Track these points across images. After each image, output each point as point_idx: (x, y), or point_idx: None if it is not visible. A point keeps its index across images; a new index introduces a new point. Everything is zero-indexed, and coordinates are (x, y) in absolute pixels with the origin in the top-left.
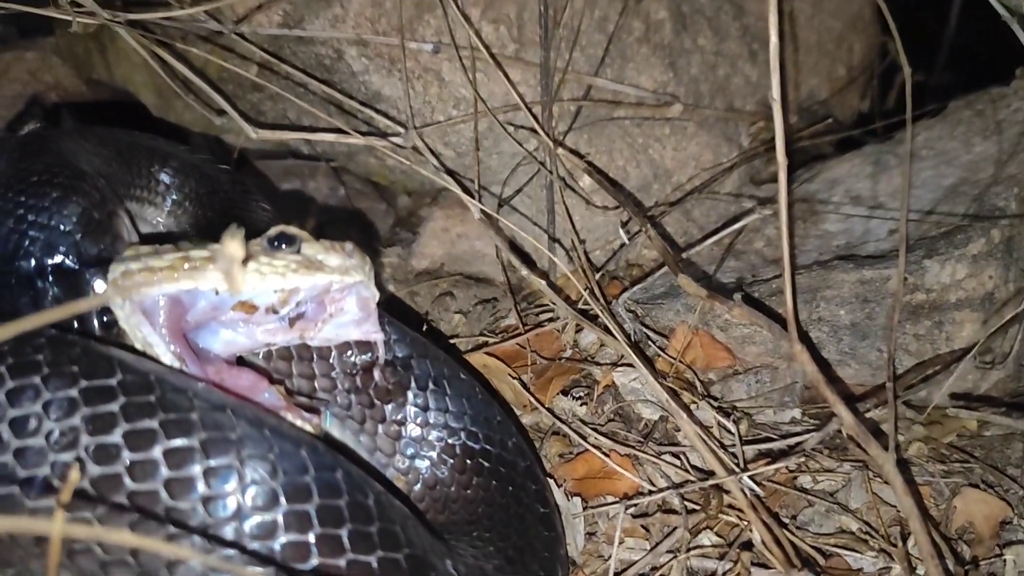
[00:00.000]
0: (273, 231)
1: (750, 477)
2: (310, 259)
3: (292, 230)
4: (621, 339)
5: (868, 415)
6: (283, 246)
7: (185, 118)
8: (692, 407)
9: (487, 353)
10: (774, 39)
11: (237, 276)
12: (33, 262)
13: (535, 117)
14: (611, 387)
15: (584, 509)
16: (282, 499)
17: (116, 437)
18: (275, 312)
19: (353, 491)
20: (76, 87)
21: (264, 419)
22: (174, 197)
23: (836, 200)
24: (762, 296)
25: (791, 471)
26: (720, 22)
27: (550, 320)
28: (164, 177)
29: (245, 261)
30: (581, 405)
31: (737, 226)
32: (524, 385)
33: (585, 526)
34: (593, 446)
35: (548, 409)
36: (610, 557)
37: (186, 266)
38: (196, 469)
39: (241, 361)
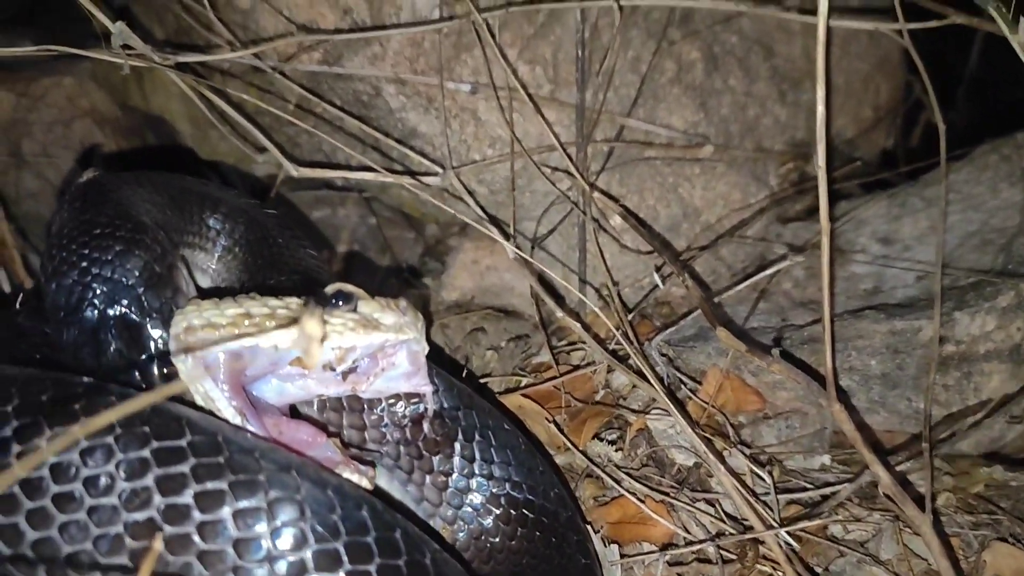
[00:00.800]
0: (331, 289)
1: (786, 531)
2: (367, 318)
3: (349, 288)
4: (657, 386)
5: (899, 467)
6: (340, 304)
7: (220, 149)
8: (724, 453)
9: (523, 395)
10: (821, 109)
11: (315, 353)
12: (96, 314)
13: (571, 159)
14: (644, 431)
15: (621, 556)
16: (344, 559)
17: (187, 498)
18: (332, 369)
19: (412, 551)
20: (112, 113)
21: (326, 479)
22: (224, 243)
23: (863, 242)
24: (795, 344)
25: (822, 521)
26: (750, 63)
27: (582, 359)
28: (215, 223)
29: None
30: (616, 450)
31: (769, 272)
32: (560, 428)
33: (622, 572)
34: (628, 491)
35: (583, 453)
36: None
37: (247, 323)
38: (263, 528)
39: (294, 411)
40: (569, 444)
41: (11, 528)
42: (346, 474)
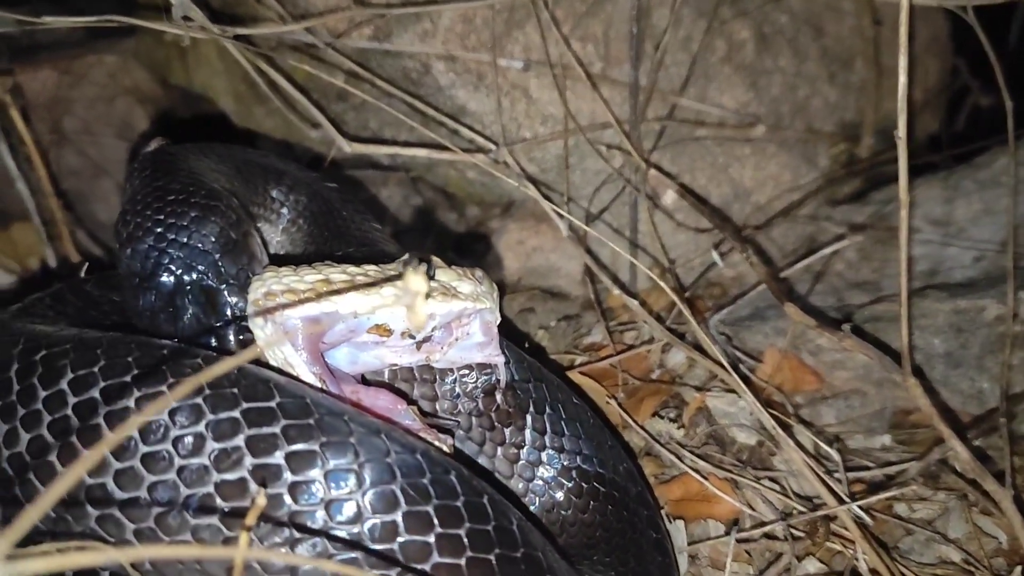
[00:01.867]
0: (408, 257)
1: (859, 506)
2: (445, 286)
3: (426, 256)
4: (723, 361)
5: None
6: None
7: (265, 125)
8: (787, 431)
9: (580, 372)
10: (903, 79)
11: (420, 311)
12: (173, 280)
13: (627, 135)
14: (703, 409)
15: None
16: (435, 522)
17: (278, 458)
18: (411, 337)
19: (499, 516)
20: (154, 91)
21: (414, 443)
22: (289, 215)
23: (916, 224)
24: (858, 322)
25: (887, 500)
26: (800, 43)
27: (635, 338)
28: (279, 195)
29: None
30: (678, 428)
31: (828, 251)
32: (621, 406)
33: (687, 549)
34: (691, 468)
35: (644, 429)
36: None
37: (327, 289)
38: (354, 489)
39: (364, 381)
40: (630, 421)
41: (99, 488)
42: (427, 438)
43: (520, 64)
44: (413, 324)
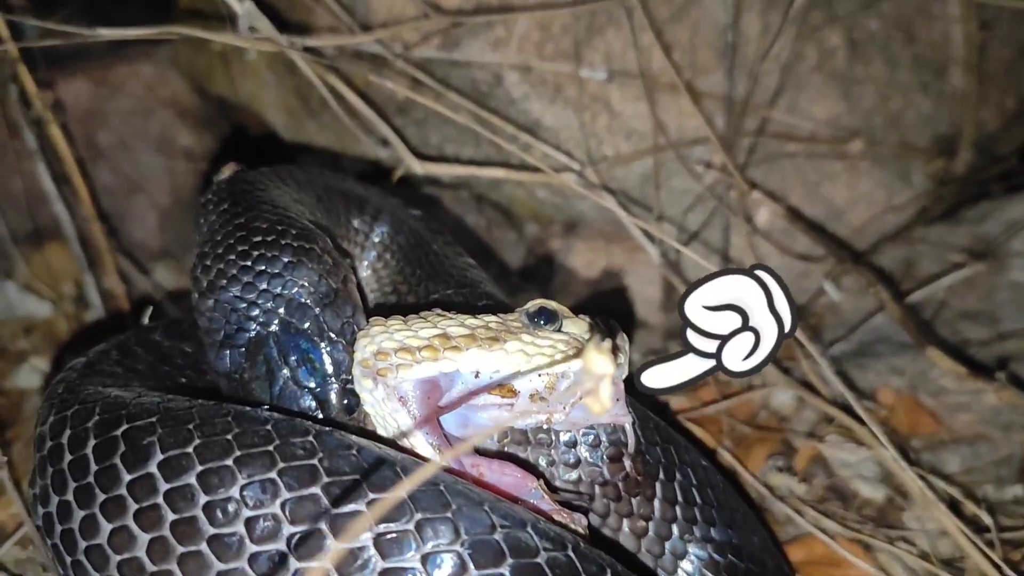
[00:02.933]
0: (533, 306)
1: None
2: (576, 339)
3: (553, 305)
4: (858, 408)
5: None
6: (543, 322)
7: (317, 140)
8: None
9: (689, 420)
10: None
11: (606, 396)
12: (265, 337)
13: (727, 153)
14: (818, 459)
15: None
16: None
17: (414, 563)
18: (542, 399)
19: None
20: (193, 103)
21: (562, 537)
22: (375, 250)
23: (1019, 247)
24: (984, 362)
25: None
26: (892, 50)
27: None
28: (361, 226)
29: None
30: (798, 481)
31: (947, 281)
32: (735, 456)
33: None
34: (818, 529)
35: (766, 486)
36: None
37: (444, 347)
38: None
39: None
40: (749, 475)
41: None
42: (559, 520)
43: (602, 74)
44: (596, 411)
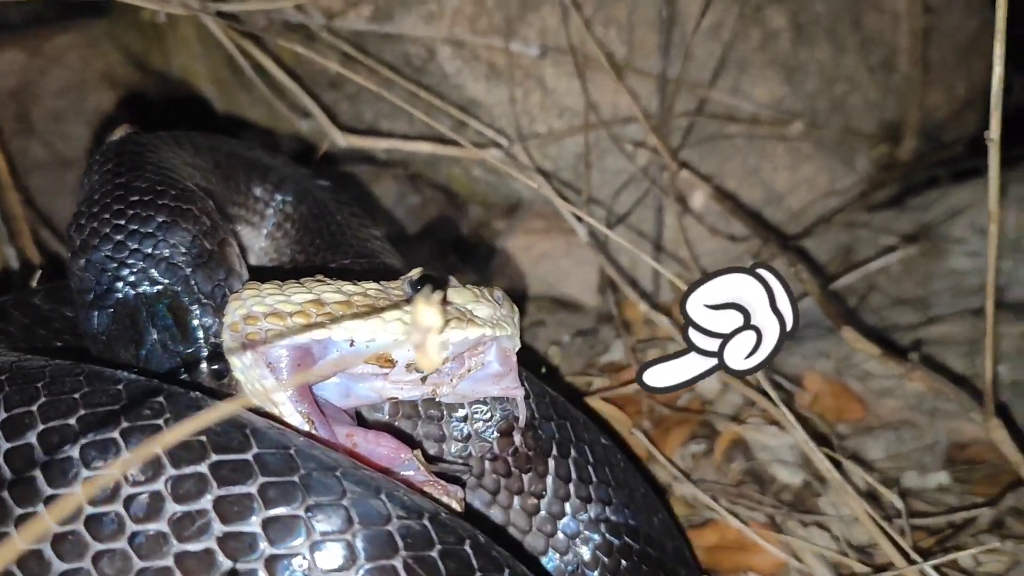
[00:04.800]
0: (415, 274)
1: (932, 566)
2: (460, 309)
3: (438, 274)
4: (770, 392)
5: None
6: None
7: (250, 114)
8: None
9: (601, 398)
10: (998, 70)
11: (433, 352)
12: (134, 298)
13: (657, 133)
14: (739, 443)
15: None
16: None
17: (255, 526)
18: (418, 370)
19: None
20: (129, 76)
21: (421, 505)
22: (275, 218)
23: (959, 234)
24: (905, 348)
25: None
26: (838, 34)
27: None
28: (263, 194)
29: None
30: (705, 461)
31: (875, 266)
32: (649, 438)
33: None
34: (728, 512)
35: (676, 467)
36: None
37: (317, 311)
38: (348, 567)
39: (359, 416)
40: (661, 457)
41: (35, 557)
42: (434, 494)
43: (535, 50)
44: (425, 366)
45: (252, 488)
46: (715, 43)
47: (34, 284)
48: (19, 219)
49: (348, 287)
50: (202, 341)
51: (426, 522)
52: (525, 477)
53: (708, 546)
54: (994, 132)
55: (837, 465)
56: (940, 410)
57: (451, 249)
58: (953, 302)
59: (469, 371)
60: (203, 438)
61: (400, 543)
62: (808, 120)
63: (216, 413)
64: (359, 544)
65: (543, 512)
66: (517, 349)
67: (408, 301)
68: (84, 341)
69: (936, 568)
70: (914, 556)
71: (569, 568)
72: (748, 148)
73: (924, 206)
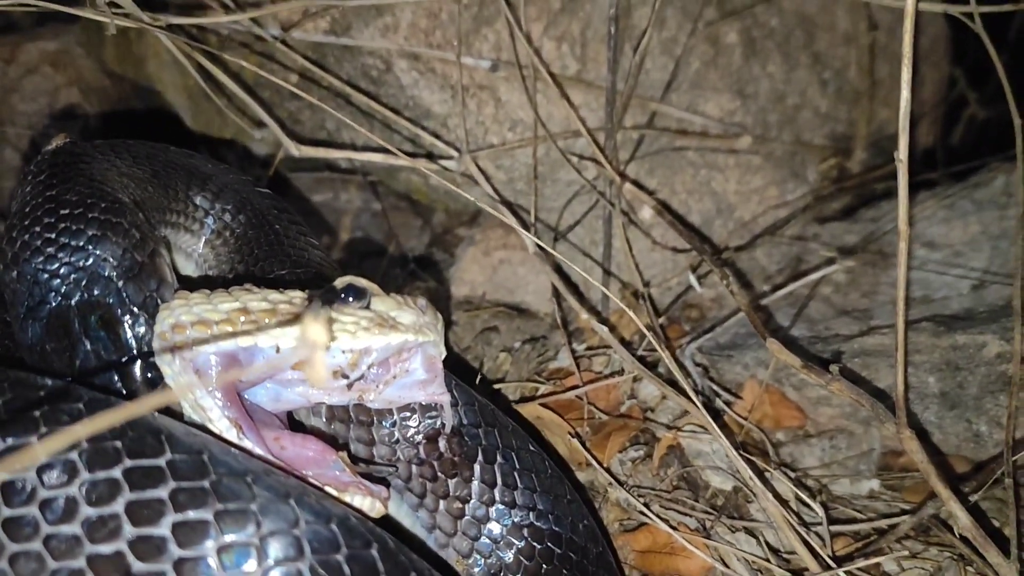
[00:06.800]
0: (341, 283)
1: (844, 572)
2: (382, 316)
3: (362, 282)
4: (695, 399)
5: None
6: (351, 299)
7: (216, 124)
8: (766, 476)
9: (541, 404)
10: (905, 94)
11: (320, 362)
12: (67, 309)
13: (599, 146)
14: (675, 449)
15: None
16: None
17: (163, 529)
18: (344, 376)
19: None
20: (99, 82)
21: (330, 510)
22: (213, 226)
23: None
24: (846, 358)
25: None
26: (790, 48)
27: (605, 365)
28: (203, 202)
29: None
30: (643, 467)
31: (814, 277)
32: (583, 443)
33: None
34: (659, 517)
35: (610, 473)
36: None
37: (243, 319)
38: (253, 568)
39: (291, 419)
40: (595, 463)
41: None
42: (356, 499)
43: (487, 64)
44: (313, 380)
45: (163, 493)
46: (667, 58)
47: None
48: None
49: (274, 295)
50: (135, 350)
51: (334, 526)
52: (451, 482)
53: (640, 550)
54: (903, 153)
55: (761, 473)
56: (875, 419)
57: (411, 257)
58: (894, 313)
59: (395, 377)
60: (118, 443)
61: (307, 547)
62: (759, 133)
63: (123, 412)
64: (267, 548)
65: (468, 516)
66: (443, 356)
67: (339, 302)
68: (20, 352)
69: (852, 574)
70: (829, 562)
71: (492, 572)
72: (699, 161)
73: (875, 218)
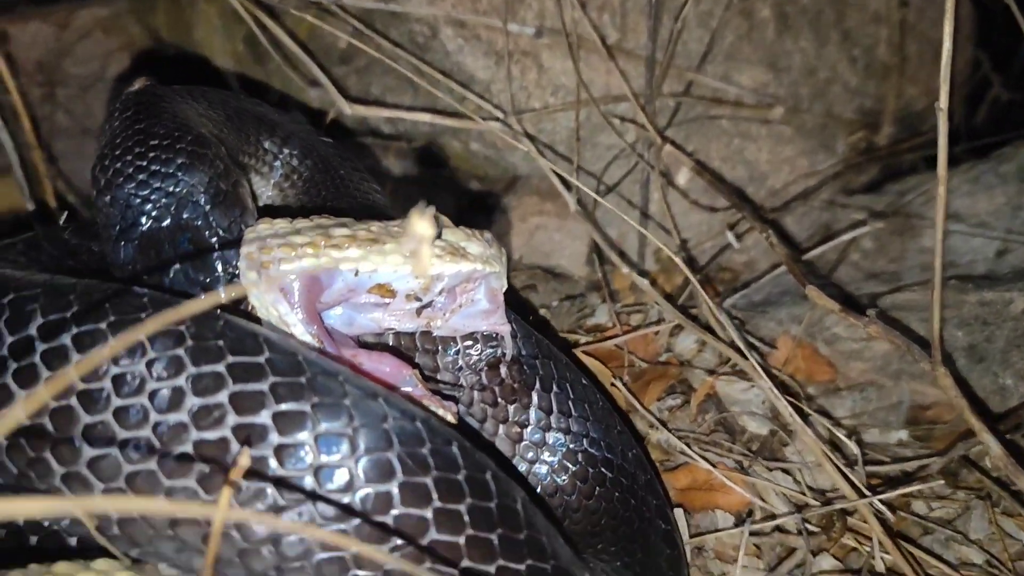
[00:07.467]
0: (415, 213)
1: (880, 500)
2: (453, 245)
3: (436, 214)
4: (740, 344)
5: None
6: None
7: (261, 89)
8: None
9: (584, 352)
10: (948, 45)
11: (425, 256)
12: (158, 231)
13: (643, 109)
14: (712, 396)
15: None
16: (433, 495)
17: (264, 418)
18: (417, 299)
19: (503, 495)
20: (149, 48)
21: (414, 410)
22: (283, 169)
23: (930, 217)
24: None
25: (904, 497)
26: (821, 25)
27: (642, 320)
28: (272, 147)
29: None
30: (681, 414)
31: (846, 237)
32: (628, 389)
33: (691, 540)
34: (700, 456)
35: (654, 415)
36: (721, 575)
37: (325, 244)
38: (346, 456)
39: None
40: (637, 404)
41: (67, 444)
42: (432, 407)
43: (532, 30)
44: (417, 272)
45: (264, 386)
46: (703, 30)
47: (61, 222)
48: (41, 175)
49: (353, 223)
50: (220, 271)
51: (418, 424)
52: (510, 408)
53: (680, 487)
54: (943, 102)
55: (801, 414)
56: (905, 372)
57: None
58: (922, 276)
59: (460, 307)
60: (220, 342)
61: (395, 439)
62: (790, 105)
63: (212, 299)
64: (358, 439)
65: (526, 441)
66: (504, 288)
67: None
68: (112, 272)
69: (888, 507)
70: (864, 490)
71: (548, 493)
72: (732, 130)
73: (902, 191)
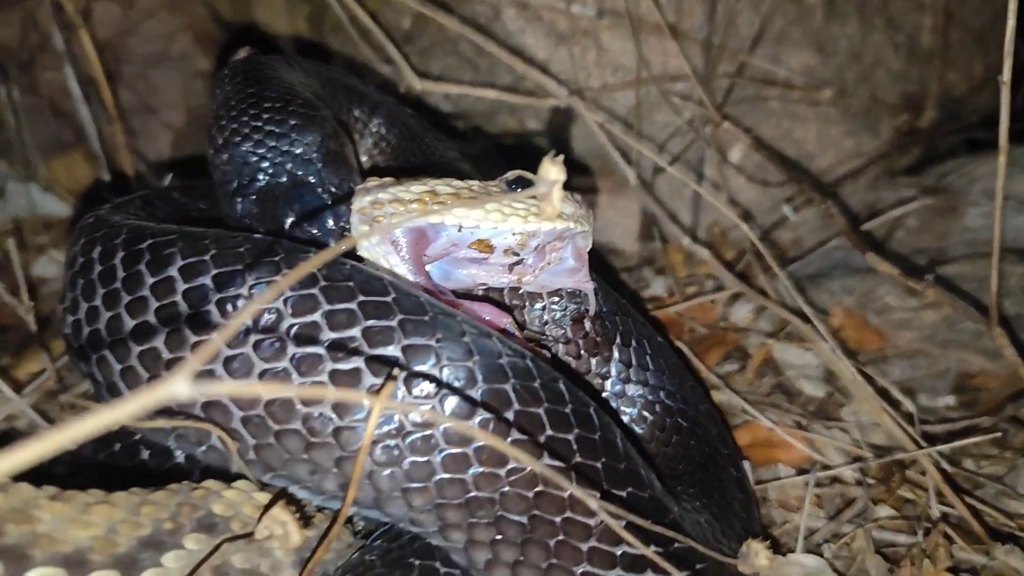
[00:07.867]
0: (511, 175)
1: (938, 451)
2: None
3: (529, 175)
4: (804, 308)
5: None
6: (519, 189)
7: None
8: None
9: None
10: (1013, 5)
11: (557, 199)
12: (274, 187)
13: (703, 86)
14: (769, 361)
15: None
16: (546, 424)
17: (395, 351)
18: (514, 255)
19: (605, 428)
20: (211, 29)
21: (523, 350)
22: (373, 137)
23: (975, 199)
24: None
25: (955, 455)
26: (867, 12)
27: (696, 292)
28: (361, 115)
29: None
30: (739, 377)
31: (897, 212)
32: (694, 352)
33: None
34: (761, 415)
35: (718, 375)
36: (785, 523)
37: (432, 201)
38: (468, 386)
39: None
40: (703, 368)
41: (208, 376)
42: None
43: (592, 11)
44: (548, 214)
45: (393, 322)
46: (755, 15)
47: (165, 183)
48: (120, 146)
49: (456, 182)
50: (333, 225)
51: (529, 362)
52: (592, 360)
53: (742, 444)
54: (1006, 75)
55: (859, 369)
56: (952, 341)
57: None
58: (965, 250)
59: (549, 264)
60: (351, 283)
61: (510, 373)
62: (837, 88)
63: (343, 245)
64: (478, 370)
65: (607, 392)
66: (589, 248)
67: (505, 195)
68: (227, 225)
69: (944, 457)
70: (921, 442)
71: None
72: (782, 111)
73: (942, 173)
